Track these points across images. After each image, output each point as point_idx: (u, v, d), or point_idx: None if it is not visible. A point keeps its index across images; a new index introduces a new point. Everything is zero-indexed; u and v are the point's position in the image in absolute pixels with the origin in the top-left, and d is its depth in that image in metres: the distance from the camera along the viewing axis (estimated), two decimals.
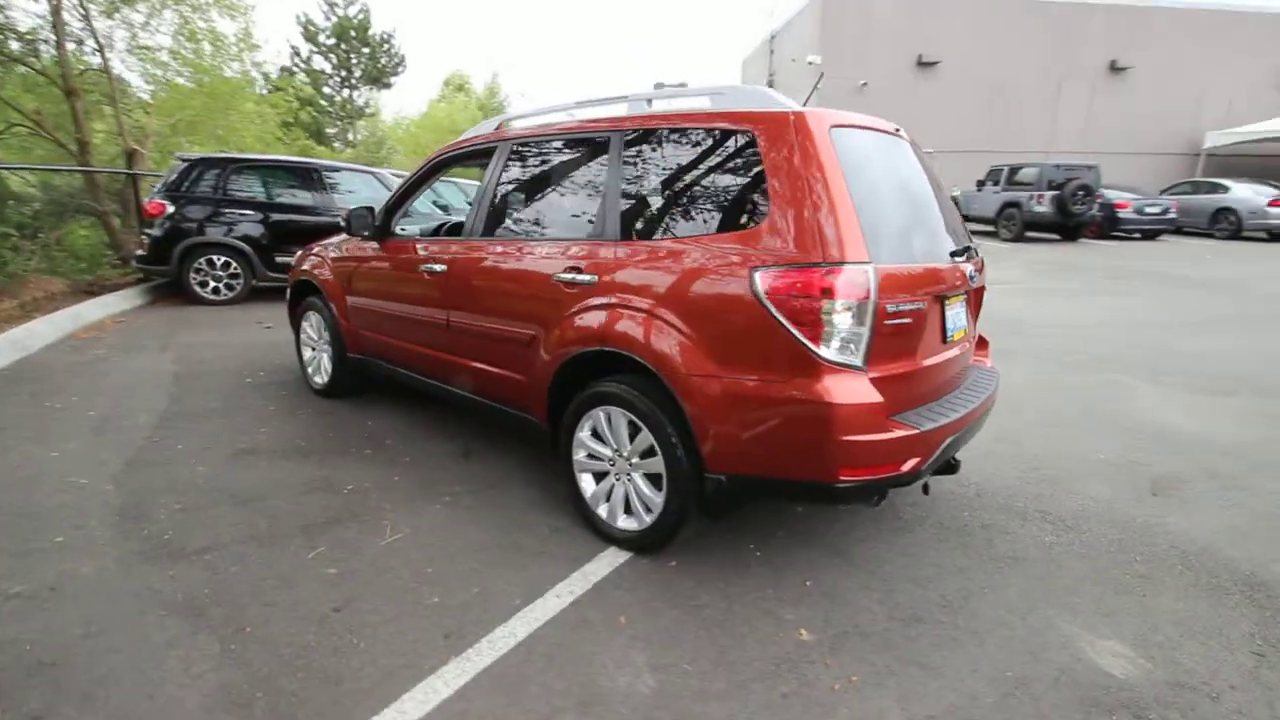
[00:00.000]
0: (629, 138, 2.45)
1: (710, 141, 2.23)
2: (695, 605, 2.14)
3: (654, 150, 2.38)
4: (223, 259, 6.98)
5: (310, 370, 4.28)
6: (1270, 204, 14.45)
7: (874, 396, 1.91)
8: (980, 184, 16.23)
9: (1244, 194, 15.02)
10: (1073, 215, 14.04)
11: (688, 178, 2.27)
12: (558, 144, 2.75)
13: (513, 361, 2.76)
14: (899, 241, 2.13)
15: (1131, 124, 20.77)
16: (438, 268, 3.04)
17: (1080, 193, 13.94)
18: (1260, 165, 18.64)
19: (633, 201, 2.38)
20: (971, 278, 2.47)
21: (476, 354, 2.94)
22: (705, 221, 2.18)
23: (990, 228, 15.45)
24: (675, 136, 2.33)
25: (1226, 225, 15.18)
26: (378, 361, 3.71)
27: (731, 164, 2.16)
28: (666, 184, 2.32)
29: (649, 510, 2.34)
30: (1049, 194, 14.16)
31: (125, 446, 3.30)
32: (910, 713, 1.71)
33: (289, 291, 4.34)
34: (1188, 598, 2.27)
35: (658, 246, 2.24)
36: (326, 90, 23.79)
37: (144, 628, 1.96)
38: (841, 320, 1.88)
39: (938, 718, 1.71)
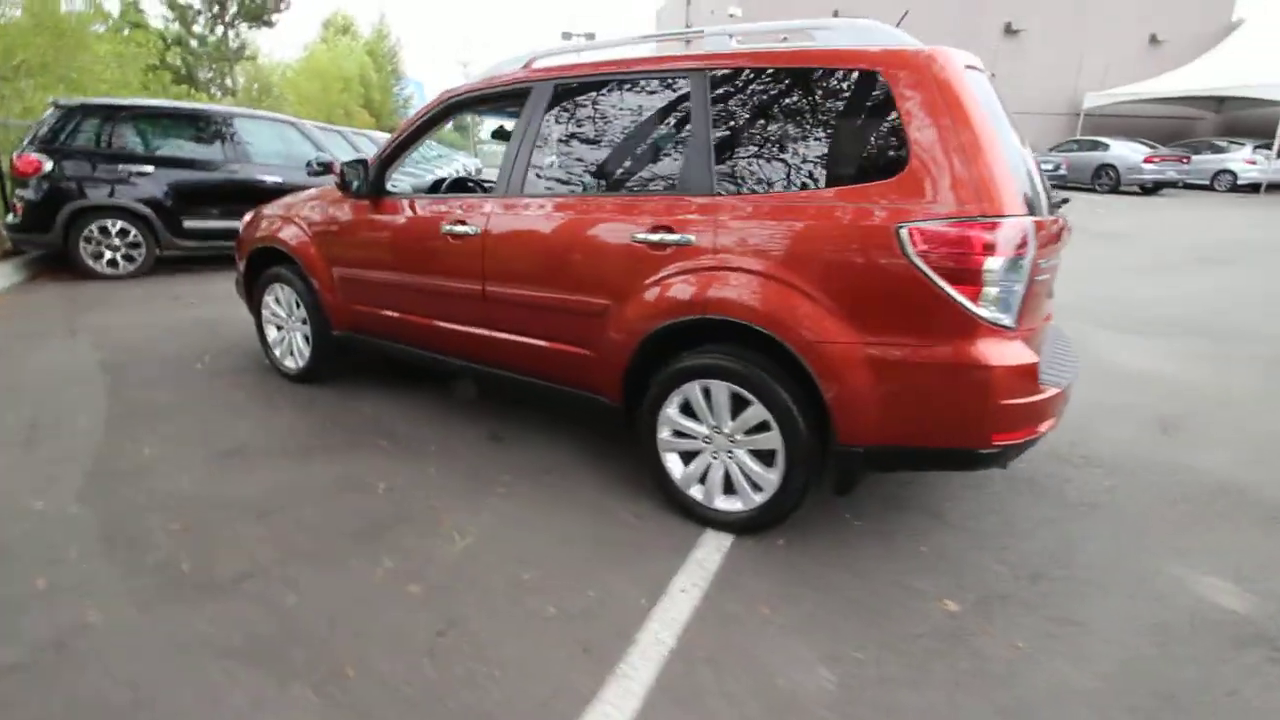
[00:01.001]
0: (718, 78, 2.18)
1: (825, 83, 2.01)
2: (827, 585, 2.03)
3: (752, 92, 2.13)
4: (120, 225, 5.95)
5: (278, 353, 3.72)
6: (1145, 160, 16.00)
7: (1030, 357, 1.83)
8: None
9: (1122, 151, 16.52)
10: None
11: (798, 123, 2.04)
12: (619, 84, 2.42)
13: (574, 335, 2.46)
14: (1027, 193, 2.03)
15: (1022, 84, 22.18)
16: (466, 230, 2.65)
17: None
18: (1128, 124, 20.56)
19: (729, 150, 2.13)
20: (1067, 231, 2.43)
21: (523, 329, 2.61)
22: (826, 173, 1.98)
23: None
24: (780, 77, 2.09)
25: (1107, 180, 16.70)
26: (376, 340, 3.26)
27: (854, 108, 1.96)
28: (771, 131, 2.09)
29: (758, 489, 2.18)
30: None
31: (75, 456, 2.72)
32: (1090, 673, 1.69)
33: (243, 262, 3.72)
34: (1247, 530, 2.42)
35: (770, 201, 2.02)
36: (197, 29, 20.79)
37: (212, 685, 1.58)
38: (1002, 278, 1.76)
39: (1116, 674, 1.70)
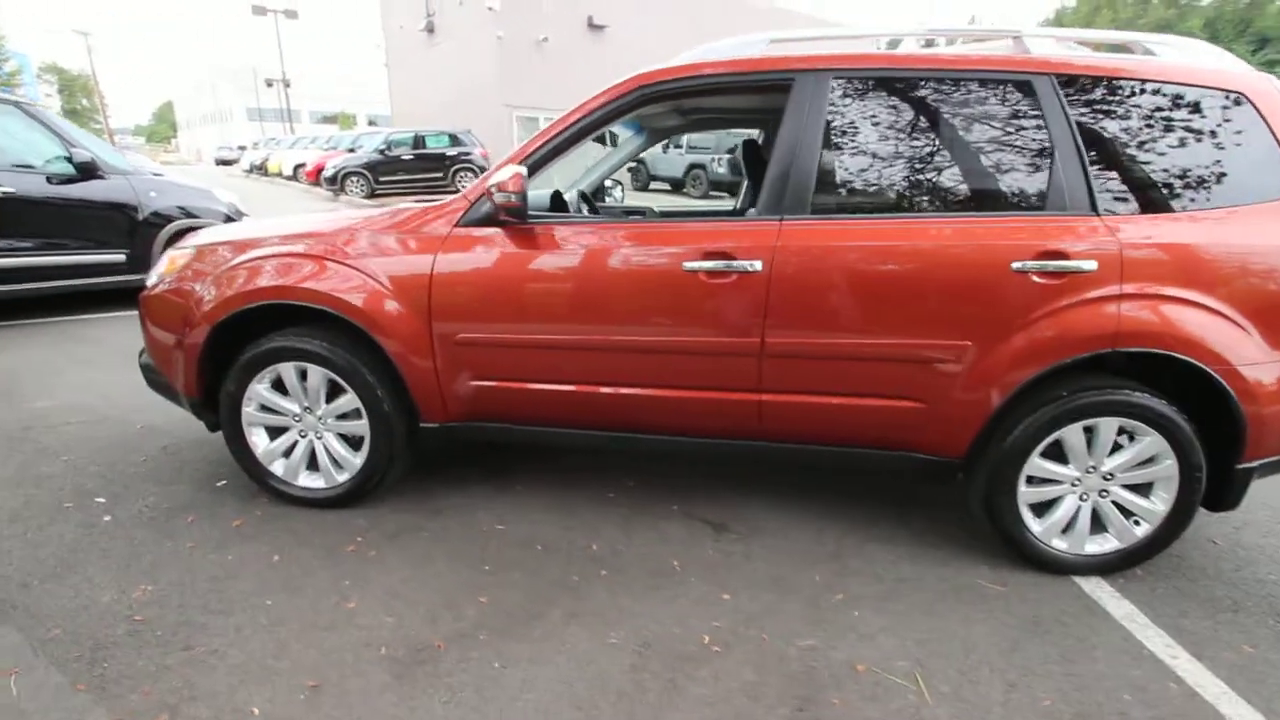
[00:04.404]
0: (1071, 88, 1.97)
1: (1187, 101, 1.96)
2: (1230, 602, 2.02)
3: (1113, 105, 1.97)
4: None
5: (281, 470, 2.37)
6: None
7: None
8: (665, 147, 17.91)
9: None
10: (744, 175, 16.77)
11: (1169, 141, 1.95)
12: (926, 83, 2.01)
13: (902, 387, 2.03)
14: None
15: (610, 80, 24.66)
16: (740, 266, 1.97)
17: None
18: None
19: (1104, 166, 1.95)
20: None
21: (820, 386, 2.05)
22: (1216, 192, 1.93)
23: (668, 187, 17.36)
24: (1141, 91, 1.96)
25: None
26: (511, 427, 2.28)
27: (1227, 130, 1.94)
28: (1144, 147, 1.96)
29: (1139, 523, 2.07)
30: (725, 157, 16.56)
31: None
32: None
33: (203, 332, 2.25)
34: None
35: (1172, 222, 1.90)
36: None
37: None
38: None
39: None
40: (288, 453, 2.38)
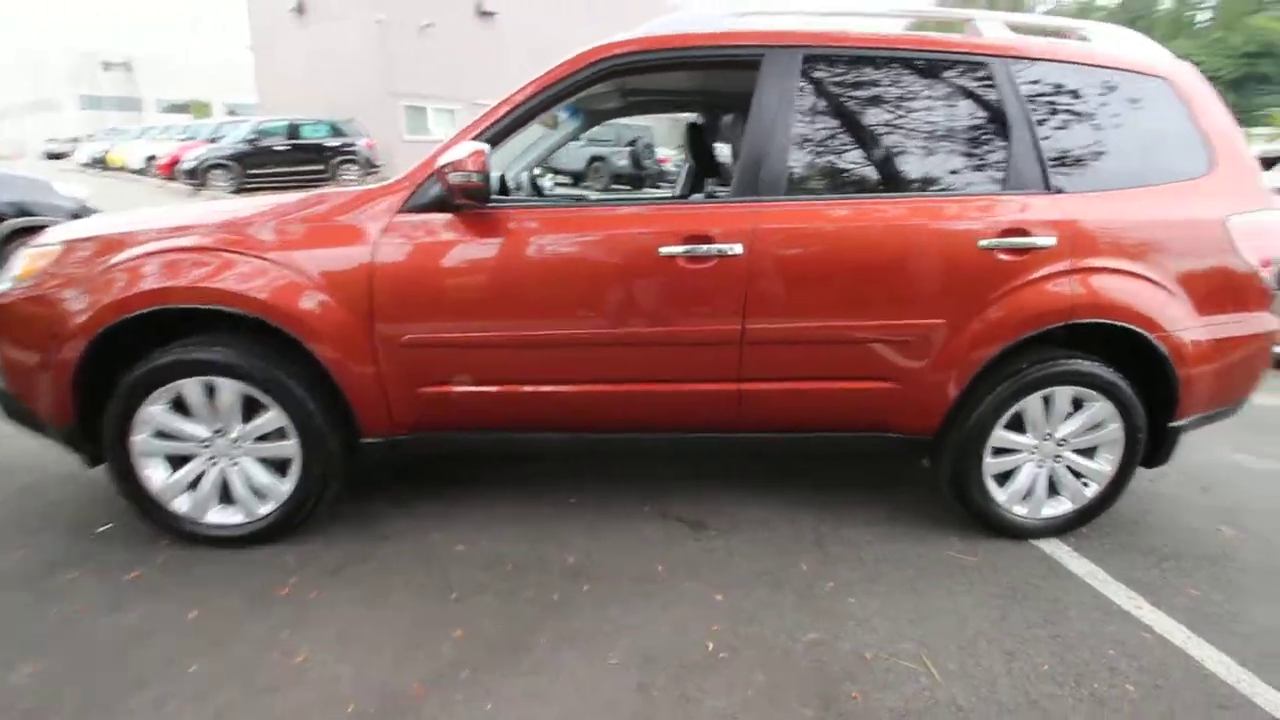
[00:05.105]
0: (1021, 71, 2.02)
1: (1123, 86, 2.06)
2: (1169, 551, 2.19)
3: (1049, 89, 2.04)
4: None
5: (187, 507, 2.01)
6: None
7: None
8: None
9: None
10: (643, 168, 16.83)
11: (1106, 123, 2.05)
12: (891, 63, 1.99)
13: (877, 368, 2.02)
14: None
15: (504, 71, 23.60)
16: (720, 250, 1.86)
17: (646, 149, 16.76)
18: None
19: (1052, 145, 2.01)
20: None
21: (799, 372, 2.00)
22: (1145, 170, 2.05)
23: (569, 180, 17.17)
24: (1075, 77, 2.05)
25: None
26: (464, 436, 2.06)
27: (1156, 113, 2.06)
28: (1083, 127, 2.04)
29: (1088, 484, 2.19)
30: (626, 149, 16.54)
31: None
32: None
33: (77, 348, 1.83)
34: None
35: (1113, 199, 2.00)
36: None
37: None
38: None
39: None
40: (194, 485, 2.01)
